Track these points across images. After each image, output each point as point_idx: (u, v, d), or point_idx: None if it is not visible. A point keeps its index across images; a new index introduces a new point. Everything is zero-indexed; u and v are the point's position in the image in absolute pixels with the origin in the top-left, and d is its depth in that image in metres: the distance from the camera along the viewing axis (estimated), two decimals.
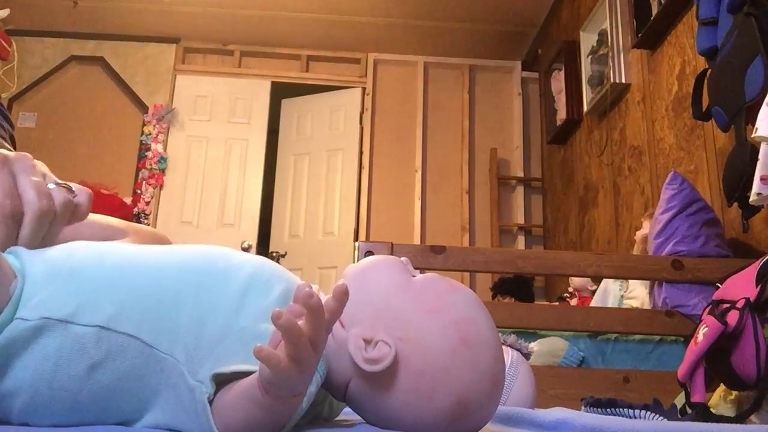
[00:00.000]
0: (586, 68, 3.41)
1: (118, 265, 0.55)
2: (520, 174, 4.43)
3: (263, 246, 4.50)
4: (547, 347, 1.94)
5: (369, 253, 1.76)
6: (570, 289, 3.12)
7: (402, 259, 0.60)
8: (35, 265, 0.53)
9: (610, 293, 2.53)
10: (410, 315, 0.53)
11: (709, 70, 1.93)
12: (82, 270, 0.54)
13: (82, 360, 0.50)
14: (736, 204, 1.74)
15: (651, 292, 2.13)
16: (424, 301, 0.54)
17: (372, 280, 0.56)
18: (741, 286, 1.27)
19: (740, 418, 1.18)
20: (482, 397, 0.53)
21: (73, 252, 0.56)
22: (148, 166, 4.34)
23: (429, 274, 0.58)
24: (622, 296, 2.46)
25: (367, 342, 0.52)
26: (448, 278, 0.58)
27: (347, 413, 0.66)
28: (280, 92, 4.67)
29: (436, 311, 0.53)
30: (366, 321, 0.53)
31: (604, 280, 2.58)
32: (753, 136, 1.53)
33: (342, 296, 0.45)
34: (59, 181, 0.63)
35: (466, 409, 0.52)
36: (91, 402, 0.51)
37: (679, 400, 1.37)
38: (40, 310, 0.50)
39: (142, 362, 0.51)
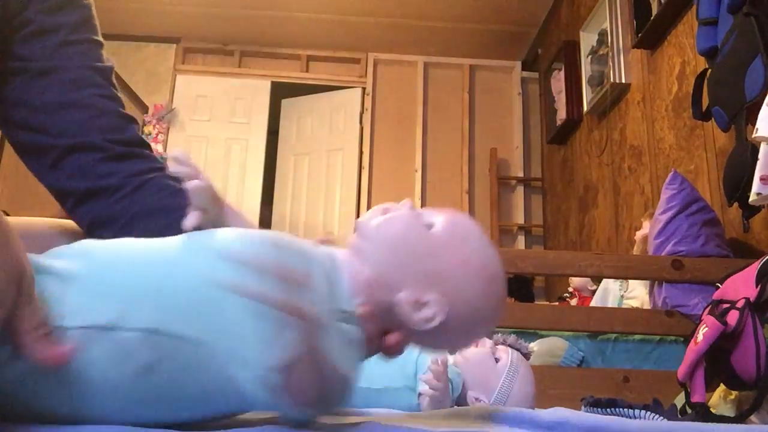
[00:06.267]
0: (586, 68, 3.41)
1: (151, 263, 0.54)
2: (520, 174, 4.43)
3: None
4: (547, 347, 1.94)
5: None
6: (570, 289, 3.11)
7: (406, 203, 0.62)
8: (56, 268, 0.51)
9: (610, 293, 2.53)
10: (447, 270, 0.58)
11: (709, 70, 1.93)
12: (115, 270, 0.52)
13: (131, 364, 0.49)
14: (736, 204, 1.74)
15: (651, 292, 2.13)
16: (453, 254, 0.58)
17: (403, 245, 0.59)
18: (741, 286, 1.27)
19: (740, 418, 1.18)
20: (499, 315, 0.62)
21: (93, 251, 0.54)
22: None
23: (441, 223, 0.60)
24: (622, 296, 2.46)
25: (418, 303, 0.55)
26: (456, 220, 0.61)
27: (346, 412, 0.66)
28: (280, 92, 4.67)
29: (465, 261, 0.58)
30: (410, 284, 0.56)
31: (604, 280, 2.58)
32: (753, 136, 1.53)
33: None
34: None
35: (491, 329, 0.68)
36: (147, 404, 0.50)
37: (679, 400, 1.37)
38: (80, 319, 0.48)
39: (194, 359, 0.50)
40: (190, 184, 0.55)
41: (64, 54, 0.79)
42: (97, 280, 0.51)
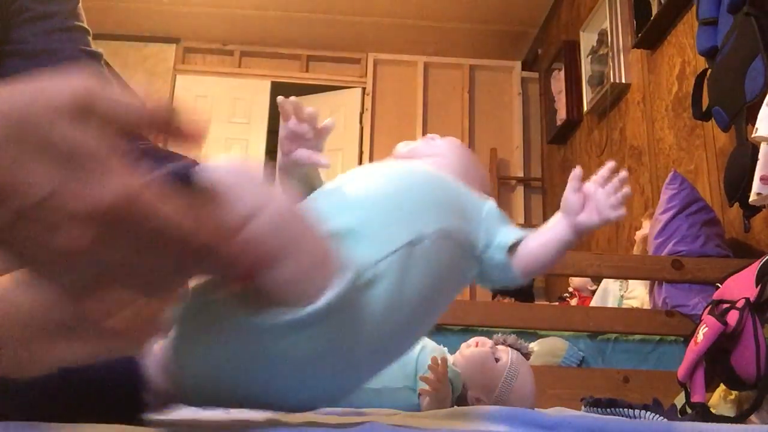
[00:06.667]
0: (586, 68, 3.41)
1: (398, 190, 0.64)
2: (520, 174, 4.43)
3: None
4: (547, 347, 1.94)
5: None
6: (570, 289, 3.11)
7: (432, 137, 0.88)
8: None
9: (610, 293, 2.53)
10: (483, 175, 0.83)
11: (709, 70, 1.93)
12: (381, 206, 0.61)
13: (439, 262, 0.59)
14: (736, 204, 1.74)
15: (651, 292, 2.13)
16: (480, 165, 0.86)
17: (469, 159, 0.82)
18: (741, 286, 1.27)
19: (740, 418, 1.18)
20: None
21: (342, 186, 0.71)
22: None
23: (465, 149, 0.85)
24: (622, 296, 2.46)
25: (482, 196, 0.73)
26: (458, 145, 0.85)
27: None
28: (280, 92, 4.63)
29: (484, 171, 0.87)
30: (474, 186, 0.74)
31: (604, 280, 2.58)
32: (753, 136, 1.53)
33: None
34: None
35: None
36: (424, 312, 0.59)
37: (679, 400, 1.37)
38: (385, 249, 0.55)
39: (455, 249, 0.62)
40: (326, 123, 0.72)
41: (57, 38, 0.83)
42: (376, 218, 0.59)
